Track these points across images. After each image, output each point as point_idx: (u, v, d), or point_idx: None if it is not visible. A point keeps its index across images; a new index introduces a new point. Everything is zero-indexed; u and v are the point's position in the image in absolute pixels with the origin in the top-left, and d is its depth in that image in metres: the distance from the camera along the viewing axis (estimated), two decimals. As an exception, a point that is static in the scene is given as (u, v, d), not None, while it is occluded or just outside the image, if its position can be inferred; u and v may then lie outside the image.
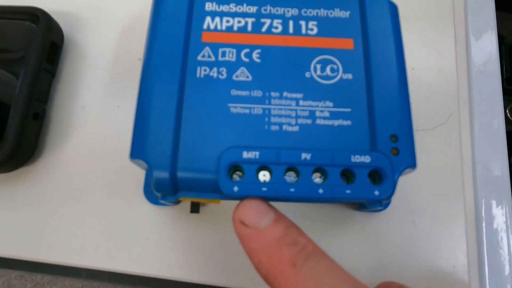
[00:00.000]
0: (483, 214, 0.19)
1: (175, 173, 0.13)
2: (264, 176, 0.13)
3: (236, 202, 0.17)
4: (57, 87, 0.20)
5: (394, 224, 0.17)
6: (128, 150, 0.18)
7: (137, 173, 0.18)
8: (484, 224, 0.18)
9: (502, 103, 0.21)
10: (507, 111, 0.26)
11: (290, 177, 0.13)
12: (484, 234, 0.18)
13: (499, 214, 0.19)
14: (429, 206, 0.18)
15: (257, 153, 0.13)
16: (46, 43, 0.18)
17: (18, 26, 0.18)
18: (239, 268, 0.17)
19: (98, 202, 0.18)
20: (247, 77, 0.14)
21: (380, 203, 0.14)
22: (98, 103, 0.19)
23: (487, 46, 0.22)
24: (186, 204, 0.17)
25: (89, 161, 0.18)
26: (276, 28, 0.15)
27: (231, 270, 0.17)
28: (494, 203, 0.19)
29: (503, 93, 0.27)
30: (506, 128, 0.25)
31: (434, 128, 0.19)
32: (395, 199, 0.18)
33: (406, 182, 0.18)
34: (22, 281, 0.62)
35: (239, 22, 0.15)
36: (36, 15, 0.18)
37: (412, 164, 0.13)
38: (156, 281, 0.17)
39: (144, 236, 0.17)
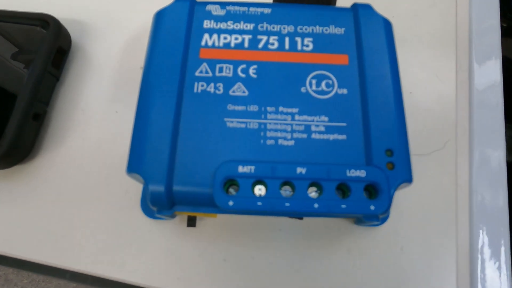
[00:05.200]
0: (479, 246, 0.18)
1: (171, 187, 0.13)
2: (259, 190, 0.13)
3: (234, 216, 0.17)
4: (60, 90, 0.20)
5: (380, 250, 0.17)
6: (123, 155, 0.18)
7: (129, 179, 0.18)
8: (479, 256, 0.18)
9: (504, 133, 0.20)
10: None
11: (286, 191, 0.13)
12: (479, 267, 0.17)
13: (496, 246, 0.18)
14: (419, 233, 0.17)
15: (253, 167, 0.13)
16: (53, 49, 0.19)
17: (29, 31, 0.19)
18: (236, 281, 0.16)
19: (89, 204, 0.18)
20: (244, 92, 0.14)
21: (377, 218, 0.14)
22: (98, 107, 0.20)
23: (491, 74, 0.22)
24: (183, 217, 0.17)
25: (84, 164, 0.19)
26: (273, 44, 0.15)
27: (232, 283, 0.16)
28: (491, 235, 0.18)
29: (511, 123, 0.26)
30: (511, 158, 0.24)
31: (430, 153, 0.19)
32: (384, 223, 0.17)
33: (396, 206, 0.18)
34: (18, 276, 0.63)
35: (236, 39, 0.15)
36: (47, 22, 0.19)
37: (408, 179, 0.13)
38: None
39: (134, 244, 0.17)
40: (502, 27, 0.39)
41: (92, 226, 0.17)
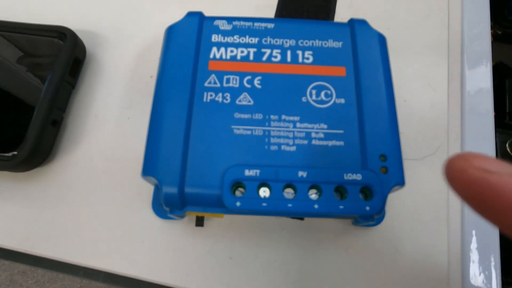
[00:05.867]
0: (470, 247, 0.19)
1: (183, 189, 0.14)
2: (264, 192, 0.14)
3: (239, 216, 0.18)
4: (76, 97, 0.21)
5: (376, 249, 0.18)
6: (134, 159, 0.19)
7: (140, 181, 0.19)
8: (470, 256, 0.18)
9: (494, 138, 0.21)
10: (507, 145, 0.26)
11: (288, 193, 0.14)
12: (470, 267, 0.18)
13: (486, 247, 0.19)
14: (413, 234, 0.18)
15: (258, 171, 0.14)
16: (70, 59, 0.20)
17: (48, 42, 0.20)
18: (235, 277, 0.17)
19: (103, 205, 0.19)
20: (249, 101, 0.15)
21: (372, 218, 0.15)
22: (111, 114, 0.21)
23: (482, 80, 0.22)
24: (191, 217, 0.18)
25: (98, 167, 0.20)
26: (276, 57, 0.16)
27: (231, 278, 0.17)
28: (481, 236, 0.19)
29: (505, 128, 0.26)
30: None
31: (422, 158, 0.20)
32: (379, 224, 0.18)
33: (391, 208, 0.19)
34: (24, 277, 0.64)
35: (242, 52, 0.16)
36: (64, 34, 0.20)
37: (401, 182, 0.14)
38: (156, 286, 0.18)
39: (144, 242, 0.18)
40: (497, 34, 0.40)
41: (105, 225, 0.18)
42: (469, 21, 0.24)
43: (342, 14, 0.24)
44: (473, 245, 0.19)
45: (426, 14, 0.24)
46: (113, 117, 0.21)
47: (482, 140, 0.21)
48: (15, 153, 0.18)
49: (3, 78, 0.20)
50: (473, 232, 0.19)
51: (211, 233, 0.18)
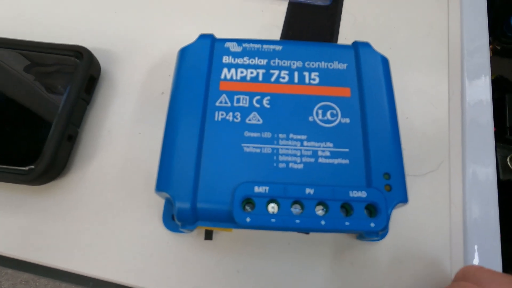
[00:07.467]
0: (473, 262, 0.19)
1: (195, 204, 0.15)
2: (272, 208, 0.14)
3: (247, 230, 0.19)
4: (90, 113, 0.22)
5: (380, 263, 0.18)
6: (146, 173, 0.20)
7: (151, 195, 0.20)
8: None
9: (495, 150, 0.22)
10: (508, 160, 0.27)
11: (296, 209, 0.14)
12: None
13: (488, 259, 0.19)
14: (416, 248, 0.18)
15: (267, 188, 0.14)
16: (86, 77, 0.21)
17: (65, 60, 0.21)
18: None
19: (115, 217, 0.19)
20: (258, 120, 0.16)
21: (377, 234, 0.16)
22: (123, 129, 0.22)
23: (481, 93, 0.23)
24: (200, 231, 0.19)
25: (110, 180, 0.20)
26: (284, 78, 0.17)
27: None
28: (483, 249, 0.19)
29: (506, 143, 0.27)
30: (506, 177, 0.26)
31: (425, 174, 0.20)
32: (383, 239, 0.19)
33: (395, 222, 0.19)
34: (26, 286, 0.64)
35: (251, 73, 0.17)
36: (81, 53, 0.21)
37: (404, 199, 0.15)
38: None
39: (154, 255, 0.18)
40: (496, 49, 0.41)
41: (117, 237, 0.19)
42: (468, 36, 0.25)
43: (346, 34, 0.25)
44: (476, 260, 0.19)
45: (427, 32, 0.25)
46: (125, 132, 0.22)
47: (483, 152, 0.22)
48: (32, 167, 0.18)
49: (20, 96, 0.21)
50: (476, 247, 0.19)
51: (219, 246, 0.19)
